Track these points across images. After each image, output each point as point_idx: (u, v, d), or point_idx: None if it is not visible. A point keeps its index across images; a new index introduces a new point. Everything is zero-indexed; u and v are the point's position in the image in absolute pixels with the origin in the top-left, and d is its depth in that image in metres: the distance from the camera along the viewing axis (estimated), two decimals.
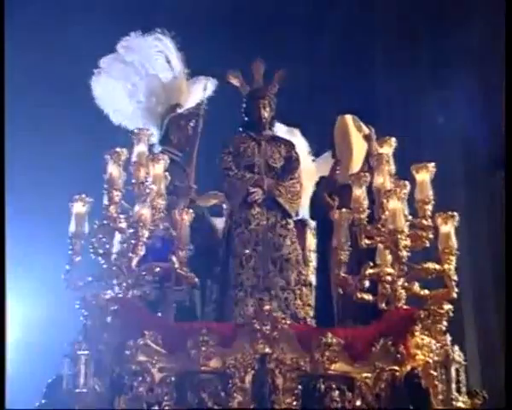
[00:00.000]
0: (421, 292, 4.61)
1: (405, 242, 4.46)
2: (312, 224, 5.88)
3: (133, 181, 4.62)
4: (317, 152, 6.28)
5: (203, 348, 4.10)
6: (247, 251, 5.02)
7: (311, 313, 5.14)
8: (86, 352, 3.94)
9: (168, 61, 5.86)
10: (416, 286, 4.62)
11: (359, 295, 4.75)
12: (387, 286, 4.76)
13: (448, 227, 4.64)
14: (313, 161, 6.27)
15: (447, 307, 4.38)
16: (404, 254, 4.42)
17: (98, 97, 5.81)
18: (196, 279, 4.70)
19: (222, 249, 5.19)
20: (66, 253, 4.48)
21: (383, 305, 4.78)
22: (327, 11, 7.82)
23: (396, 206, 4.50)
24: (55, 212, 4.93)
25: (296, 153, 5.43)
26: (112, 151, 4.55)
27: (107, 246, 4.41)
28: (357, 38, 7.68)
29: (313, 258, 5.71)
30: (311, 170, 6.02)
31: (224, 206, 5.57)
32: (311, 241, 5.82)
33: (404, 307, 4.47)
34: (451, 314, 4.41)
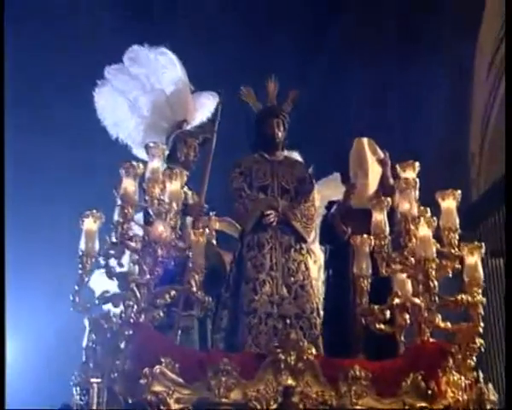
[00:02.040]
0: (443, 325, 4.43)
1: (434, 271, 4.26)
2: (316, 251, 5.69)
3: (146, 198, 4.35)
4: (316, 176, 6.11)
5: (223, 379, 3.82)
6: (261, 276, 4.77)
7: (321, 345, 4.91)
8: (99, 380, 3.63)
9: (173, 76, 5.64)
10: (439, 319, 4.42)
11: (378, 326, 4.55)
12: (407, 317, 4.60)
13: (475, 258, 4.45)
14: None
15: (479, 341, 4.16)
16: (436, 284, 4.21)
17: (99, 109, 5.56)
18: (212, 304, 4.43)
19: (232, 274, 4.94)
20: (72, 270, 4.18)
21: (402, 338, 4.61)
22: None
23: (426, 233, 4.30)
24: (59, 226, 4.60)
25: (310, 175, 5.22)
26: (127, 165, 4.27)
27: (121, 266, 4.11)
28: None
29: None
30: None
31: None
32: (314, 269, 5.61)
33: (431, 340, 4.27)
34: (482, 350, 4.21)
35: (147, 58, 5.54)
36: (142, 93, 5.54)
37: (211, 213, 5.82)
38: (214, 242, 5.59)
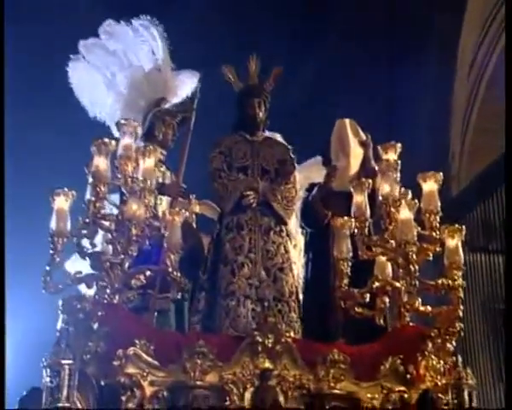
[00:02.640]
0: (423, 308, 4.36)
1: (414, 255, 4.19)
2: (296, 234, 5.61)
3: (118, 176, 4.24)
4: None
5: (199, 361, 3.72)
6: (240, 258, 4.67)
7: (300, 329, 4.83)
8: (71, 361, 3.51)
9: (153, 53, 5.50)
10: (419, 302, 4.35)
11: (358, 310, 4.49)
12: (386, 301, 4.55)
13: (455, 241, 4.39)
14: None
15: (459, 325, 4.10)
16: (416, 267, 4.14)
17: (75, 86, 5.40)
18: (188, 285, 4.33)
19: (210, 256, 4.83)
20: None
21: (381, 321, 4.55)
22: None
23: (407, 216, 4.23)
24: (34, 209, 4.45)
25: (291, 156, 5.12)
26: (98, 142, 4.14)
27: (94, 246, 4.00)
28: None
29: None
30: None
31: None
32: (294, 253, 5.51)
33: (411, 324, 4.21)
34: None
35: (125, 32, 5.39)
36: (120, 69, 5.37)
37: (191, 196, 5.75)
38: (194, 225, 5.52)
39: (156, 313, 4.76)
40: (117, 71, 5.41)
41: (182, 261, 4.45)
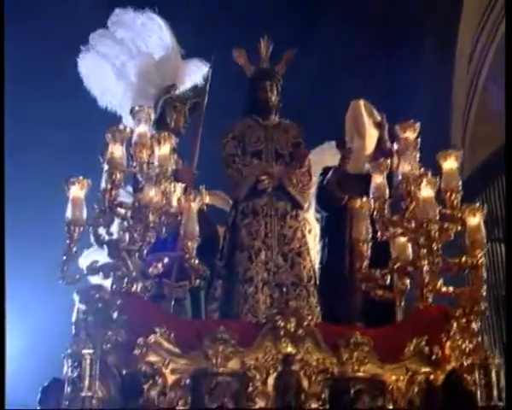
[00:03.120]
0: (445, 289, 4.28)
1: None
2: (311, 219, 5.54)
3: (134, 164, 4.18)
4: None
5: (221, 348, 3.65)
6: (257, 243, 4.60)
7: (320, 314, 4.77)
8: (91, 351, 3.45)
9: (162, 40, 5.43)
10: (441, 283, 4.28)
11: (379, 292, 4.43)
12: (407, 282, 4.48)
13: (477, 219, 4.31)
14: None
15: (484, 305, 4.02)
16: (439, 246, 4.07)
17: (85, 77, 5.35)
18: (207, 272, 4.27)
19: (226, 242, 4.77)
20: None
21: (402, 303, 4.49)
22: None
23: (428, 194, 4.15)
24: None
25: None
26: (113, 129, 4.08)
27: (110, 235, 3.93)
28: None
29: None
30: None
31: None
32: (309, 238, 5.44)
33: (433, 305, 4.13)
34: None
35: (132, 21, 5.33)
36: (129, 58, 5.32)
37: (201, 187, 5.67)
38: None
39: (173, 302, 4.72)
40: (126, 60, 5.36)
41: (198, 249, 4.39)
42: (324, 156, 5.66)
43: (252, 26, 5.64)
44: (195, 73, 5.41)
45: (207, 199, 5.64)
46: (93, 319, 3.71)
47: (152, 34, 5.39)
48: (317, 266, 5.15)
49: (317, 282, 4.90)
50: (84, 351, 3.44)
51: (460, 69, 7.81)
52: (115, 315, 3.68)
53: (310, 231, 5.49)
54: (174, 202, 4.31)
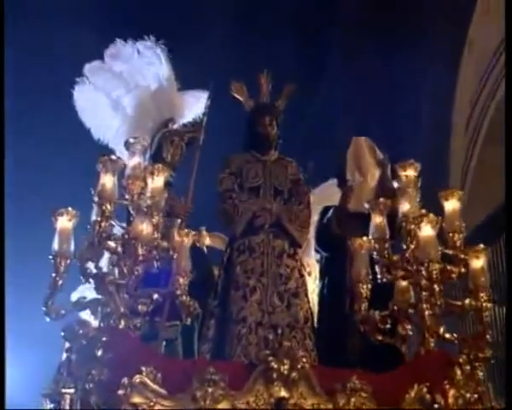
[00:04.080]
0: (448, 335, 4.09)
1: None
2: (310, 261, 5.39)
3: (126, 196, 4.04)
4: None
5: (210, 389, 3.45)
6: (252, 282, 4.43)
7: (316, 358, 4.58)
8: (72, 390, 3.27)
9: (159, 73, 5.34)
10: (443, 328, 4.09)
11: (379, 337, 4.23)
12: (408, 328, 4.28)
13: (480, 262, 4.15)
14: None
15: (489, 351, 3.82)
16: (441, 288, 3.89)
17: (80, 109, 5.26)
18: (199, 310, 4.09)
19: (221, 281, 4.60)
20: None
21: (403, 349, 4.29)
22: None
23: (429, 234, 3.98)
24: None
25: (305, 176, 4.90)
26: (104, 159, 3.94)
27: (99, 267, 3.76)
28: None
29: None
30: None
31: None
32: (308, 280, 5.27)
33: (436, 349, 3.94)
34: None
35: (130, 54, 5.26)
36: (126, 91, 5.25)
37: (201, 228, 5.54)
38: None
39: (164, 343, 4.54)
40: (123, 93, 5.30)
41: (191, 287, 4.23)
42: (324, 195, 5.53)
43: (252, 60, 5.52)
44: (194, 105, 5.32)
45: (208, 240, 5.53)
46: (76, 356, 3.54)
47: (150, 67, 5.31)
48: (316, 307, 4.99)
49: (315, 324, 4.72)
50: (64, 390, 3.26)
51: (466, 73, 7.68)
52: (99, 353, 3.49)
53: (310, 274, 5.35)
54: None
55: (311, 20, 7.25)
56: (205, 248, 5.45)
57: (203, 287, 4.69)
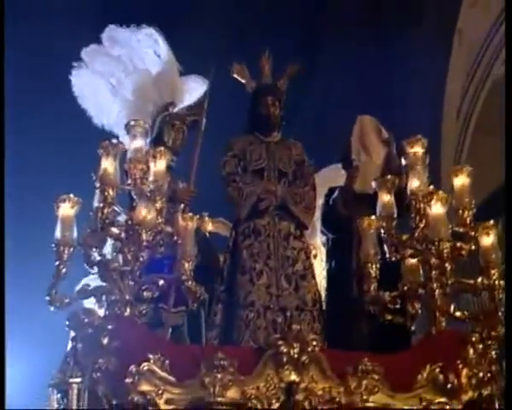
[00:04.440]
0: (459, 314, 4.02)
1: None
2: (316, 243, 5.30)
3: (128, 181, 3.96)
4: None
5: (219, 375, 3.39)
6: (258, 266, 4.35)
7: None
8: (79, 380, 3.20)
9: (159, 56, 5.24)
10: (455, 306, 4.02)
11: (389, 317, 4.16)
12: (417, 306, 4.21)
13: (491, 238, 4.07)
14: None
15: (502, 330, 3.75)
16: (452, 266, 3.81)
17: (79, 95, 5.16)
18: (205, 295, 4.02)
19: (226, 265, 4.52)
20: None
21: (413, 328, 4.22)
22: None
23: (439, 211, 3.90)
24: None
25: (309, 158, 4.81)
26: (106, 143, 3.86)
27: (102, 254, 3.69)
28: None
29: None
30: None
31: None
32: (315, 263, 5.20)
33: (448, 329, 3.87)
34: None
35: (128, 37, 5.15)
36: (125, 75, 5.14)
37: (204, 214, 5.45)
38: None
39: (171, 329, 4.48)
40: (122, 77, 5.18)
41: (197, 273, 4.15)
42: (330, 178, 5.44)
43: (253, 41, 5.42)
44: (195, 90, 5.22)
45: (211, 226, 5.44)
46: (82, 345, 3.47)
47: (149, 50, 5.22)
48: (323, 290, 4.92)
49: (323, 307, 4.65)
50: (72, 380, 3.20)
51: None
52: (106, 341, 3.42)
53: (315, 256, 5.27)
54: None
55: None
56: (207, 234, 5.37)
57: (209, 272, 4.62)
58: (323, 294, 4.88)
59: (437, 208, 3.91)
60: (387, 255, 4.13)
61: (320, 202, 5.10)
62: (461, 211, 4.05)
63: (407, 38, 7.20)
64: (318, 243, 5.33)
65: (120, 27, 5.20)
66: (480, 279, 3.85)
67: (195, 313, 4.59)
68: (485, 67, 7.60)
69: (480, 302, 4.15)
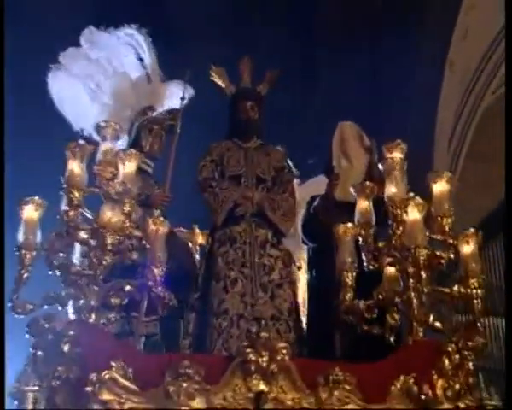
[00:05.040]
0: (438, 324, 3.89)
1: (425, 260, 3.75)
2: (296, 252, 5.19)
3: (98, 185, 3.85)
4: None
5: (184, 384, 3.26)
6: (233, 273, 4.24)
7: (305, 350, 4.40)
8: (35, 388, 3.07)
9: (140, 59, 5.15)
10: (432, 317, 3.89)
11: (366, 328, 4.03)
12: (397, 317, 4.09)
13: (471, 247, 3.95)
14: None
15: (480, 340, 3.62)
16: (428, 274, 3.69)
17: (56, 98, 5.05)
18: (175, 302, 3.90)
19: (201, 272, 4.41)
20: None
21: (391, 339, 4.09)
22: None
23: (416, 218, 3.79)
24: None
25: (289, 164, 4.71)
26: (73, 144, 3.75)
27: (66, 259, 3.58)
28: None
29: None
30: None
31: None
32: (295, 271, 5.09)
33: (423, 339, 3.74)
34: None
35: (108, 39, 5.06)
36: (104, 78, 5.03)
37: (194, 226, 5.35)
38: (197, 256, 5.12)
39: (144, 339, 4.36)
40: (101, 80, 5.07)
41: (171, 280, 4.03)
42: (314, 187, 5.34)
43: (234, 44, 5.33)
44: (176, 95, 5.12)
45: (201, 239, 5.33)
46: (42, 352, 3.34)
47: (129, 54, 5.12)
48: (304, 299, 4.82)
49: (301, 316, 4.54)
50: (27, 388, 3.07)
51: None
52: (66, 348, 3.29)
53: (299, 268, 5.17)
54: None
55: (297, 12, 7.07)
56: (197, 247, 5.27)
57: (186, 281, 4.51)
58: (306, 302, 4.80)
59: (414, 215, 3.79)
60: (365, 264, 4.03)
61: (303, 210, 5.01)
62: (439, 218, 3.93)
63: (399, 65, 7.15)
64: (304, 255, 5.23)
65: (99, 29, 5.12)
66: (456, 288, 3.71)
67: (176, 323, 4.49)
68: (477, 97, 7.66)
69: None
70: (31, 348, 3.40)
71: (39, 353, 3.36)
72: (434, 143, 7.41)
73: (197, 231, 5.38)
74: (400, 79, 7.09)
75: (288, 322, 4.23)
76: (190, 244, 5.24)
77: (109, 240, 3.49)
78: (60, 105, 5.06)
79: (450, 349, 3.55)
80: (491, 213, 7.33)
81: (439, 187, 4.01)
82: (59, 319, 3.43)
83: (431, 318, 3.81)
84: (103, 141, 3.90)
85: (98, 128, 3.94)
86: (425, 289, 3.67)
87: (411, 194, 4.02)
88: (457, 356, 3.58)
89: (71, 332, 3.34)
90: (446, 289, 3.74)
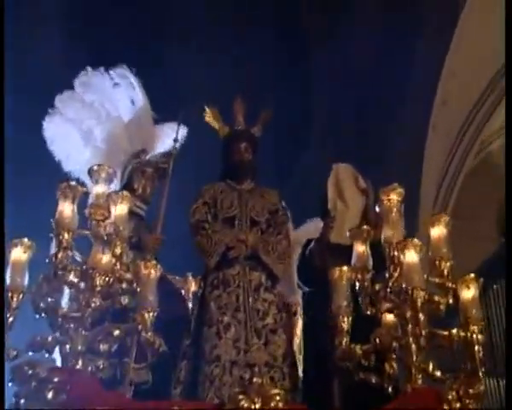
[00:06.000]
0: (438, 374, 3.76)
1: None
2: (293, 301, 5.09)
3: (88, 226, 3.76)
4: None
5: None
6: (226, 318, 4.12)
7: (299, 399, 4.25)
8: None
9: (132, 102, 5.11)
10: (431, 365, 3.75)
11: (363, 376, 3.90)
12: (394, 366, 3.96)
13: (471, 292, 3.84)
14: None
15: (481, 388, 3.49)
16: (425, 317, 3.58)
17: (49, 140, 5.01)
18: (165, 347, 3.77)
19: (194, 318, 4.29)
20: None
21: (389, 389, 3.95)
22: None
23: (413, 259, 3.69)
24: None
25: (283, 206, 4.62)
26: (64, 185, 3.67)
27: (54, 302, 3.47)
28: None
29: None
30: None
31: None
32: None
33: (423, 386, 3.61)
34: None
35: (101, 82, 5.02)
36: (97, 122, 5.00)
37: (187, 274, 5.26)
38: (190, 305, 5.02)
39: (134, 387, 4.22)
40: (94, 124, 5.04)
41: (162, 325, 3.91)
42: (311, 231, 5.25)
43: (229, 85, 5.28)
44: (169, 137, 5.07)
45: (193, 287, 5.23)
46: (25, 400, 3.21)
47: (122, 97, 5.08)
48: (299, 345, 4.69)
49: (296, 363, 4.41)
50: None
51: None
52: (50, 395, 3.16)
53: (295, 313, 5.05)
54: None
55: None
56: (190, 295, 5.17)
57: (178, 327, 4.39)
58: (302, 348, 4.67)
59: (411, 256, 3.69)
60: (362, 309, 3.92)
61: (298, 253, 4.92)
62: (437, 262, 3.84)
63: (384, 130, 7.19)
64: (300, 300, 5.12)
65: (94, 70, 5.09)
66: (455, 331, 3.60)
67: (167, 371, 4.35)
68: (459, 160, 7.69)
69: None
70: (13, 397, 3.27)
71: (22, 401, 3.23)
72: (419, 207, 7.40)
73: (190, 278, 5.29)
74: (382, 146, 7.12)
75: (282, 369, 4.10)
76: (183, 291, 5.17)
77: (98, 281, 3.38)
78: (52, 147, 5.03)
79: (450, 397, 3.43)
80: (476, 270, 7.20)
81: (437, 231, 3.93)
82: (43, 365, 3.30)
83: (430, 366, 3.70)
84: (96, 184, 3.83)
85: (91, 172, 3.87)
86: (423, 332, 3.54)
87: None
88: (458, 404, 3.46)
89: (55, 379, 3.21)
90: (445, 332, 3.62)
